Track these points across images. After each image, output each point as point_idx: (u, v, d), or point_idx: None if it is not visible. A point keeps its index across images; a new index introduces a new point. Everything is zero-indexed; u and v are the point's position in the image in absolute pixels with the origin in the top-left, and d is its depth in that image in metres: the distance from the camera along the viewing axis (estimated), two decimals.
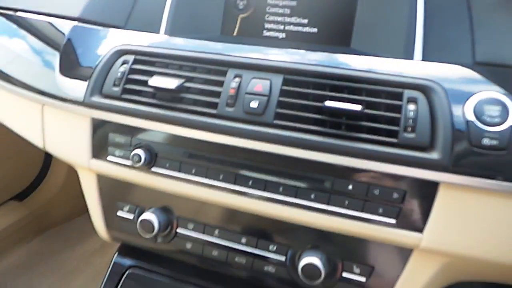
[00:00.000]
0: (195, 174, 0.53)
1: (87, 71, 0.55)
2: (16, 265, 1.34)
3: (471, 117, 0.42)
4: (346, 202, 0.47)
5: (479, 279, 0.54)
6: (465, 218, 0.43)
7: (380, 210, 0.46)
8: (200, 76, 0.51)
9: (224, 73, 0.50)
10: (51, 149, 0.62)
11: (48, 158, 1.49)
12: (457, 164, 0.42)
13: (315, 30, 0.53)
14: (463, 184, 0.42)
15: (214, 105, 0.50)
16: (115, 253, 0.66)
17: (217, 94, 0.50)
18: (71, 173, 1.49)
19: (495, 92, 0.42)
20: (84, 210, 1.77)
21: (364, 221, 0.46)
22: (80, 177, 0.62)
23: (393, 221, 0.46)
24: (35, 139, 0.63)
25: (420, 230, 0.45)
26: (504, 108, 0.41)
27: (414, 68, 0.46)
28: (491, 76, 0.43)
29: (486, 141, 0.41)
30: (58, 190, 1.48)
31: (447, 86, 0.43)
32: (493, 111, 0.41)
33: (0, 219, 1.35)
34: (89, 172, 0.60)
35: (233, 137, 0.49)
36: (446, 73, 0.44)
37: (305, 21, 0.53)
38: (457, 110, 0.42)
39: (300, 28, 0.54)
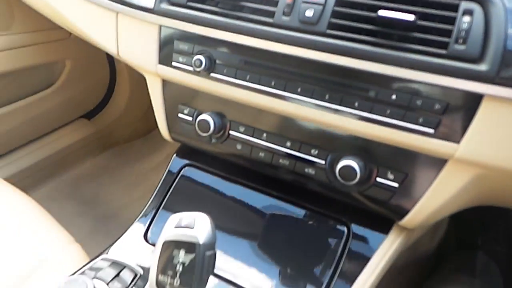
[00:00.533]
0: (249, 81, 0.58)
1: None
2: (83, 175, 1.53)
3: None
4: (388, 111, 0.50)
5: (503, 202, 0.56)
6: (504, 130, 0.45)
7: (420, 120, 0.48)
8: None
9: None
10: (124, 55, 0.70)
11: (112, 84, 1.62)
12: (504, 76, 0.43)
13: None
14: (507, 97, 0.43)
15: (271, 14, 0.53)
16: (173, 154, 0.75)
17: (275, 3, 0.53)
18: (132, 101, 1.62)
19: None
20: (143, 133, 1.93)
21: (404, 130, 0.50)
22: (148, 83, 0.70)
23: (431, 131, 0.48)
24: (110, 46, 0.70)
25: (457, 141, 0.47)
26: None
27: None
28: None
29: None
30: (120, 114, 1.62)
31: (508, 4, 0.43)
32: None
33: (71, 134, 1.52)
34: (156, 77, 0.67)
35: (287, 45, 0.53)
36: None
37: None
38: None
39: None
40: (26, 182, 1.33)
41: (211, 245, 0.42)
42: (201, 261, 0.41)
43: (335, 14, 0.50)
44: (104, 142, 1.62)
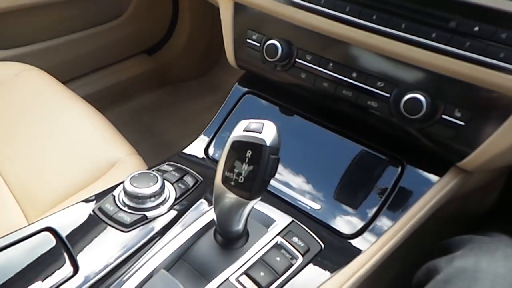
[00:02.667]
0: (323, 5, 0.57)
1: None
2: (142, 107, 1.62)
3: None
4: (467, 44, 0.48)
5: None
6: None
7: (502, 55, 0.46)
8: None
9: None
10: None
11: (173, 22, 1.65)
12: None
13: None
14: None
15: None
16: (235, 83, 0.78)
17: None
18: (190, 41, 1.65)
19: None
20: (198, 75, 1.98)
21: (482, 65, 0.48)
22: (220, 7, 0.71)
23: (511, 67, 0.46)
24: None
25: None
26: None
27: None
28: None
29: None
30: (179, 53, 1.67)
31: None
32: None
33: (133, 68, 1.59)
34: (229, 0, 0.69)
35: None
36: None
37: None
38: None
39: None
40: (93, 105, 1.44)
41: (276, 149, 0.45)
42: (265, 163, 0.44)
43: None
44: (161, 78, 1.69)
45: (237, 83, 0.78)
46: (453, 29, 0.49)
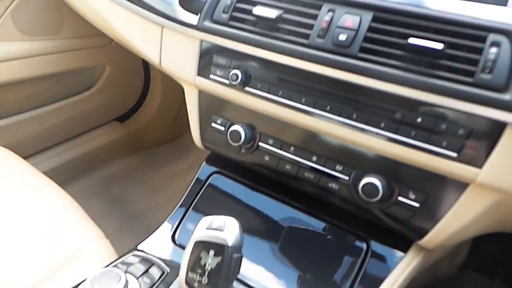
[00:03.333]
0: (281, 96, 0.61)
1: (200, 4, 0.65)
2: (113, 175, 1.60)
3: None
4: (413, 133, 0.52)
5: None
6: None
7: (444, 143, 0.50)
8: (297, 9, 0.58)
9: (319, 7, 0.57)
10: (165, 66, 0.75)
11: (145, 90, 1.70)
12: None
13: None
14: None
15: (306, 36, 0.57)
16: (203, 162, 0.79)
17: (310, 26, 0.57)
18: (162, 107, 1.68)
19: None
20: (170, 139, 1.99)
21: (427, 152, 0.52)
22: (186, 92, 0.75)
23: (454, 154, 0.50)
24: (154, 57, 0.76)
25: (479, 166, 0.49)
26: None
27: (505, 13, 0.48)
28: None
29: None
30: (151, 119, 1.69)
31: None
32: None
33: (104, 136, 1.59)
34: (193, 88, 0.72)
35: (320, 65, 0.56)
36: None
37: None
38: None
39: None
40: (60, 178, 1.40)
41: (238, 248, 0.45)
42: (228, 263, 0.44)
43: (367, 39, 0.53)
44: (134, 145, 1.69)
45: (204, 162, 0.79)
46: (399, 120, 0.53)
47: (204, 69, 0.68)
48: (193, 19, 0.67)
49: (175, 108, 1.73)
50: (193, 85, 0.71)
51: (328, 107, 0.58)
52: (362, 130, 0.56)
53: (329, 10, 0.56)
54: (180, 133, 1.82)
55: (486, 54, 0.47)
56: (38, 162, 1.36)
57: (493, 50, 0.47)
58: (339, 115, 0.57)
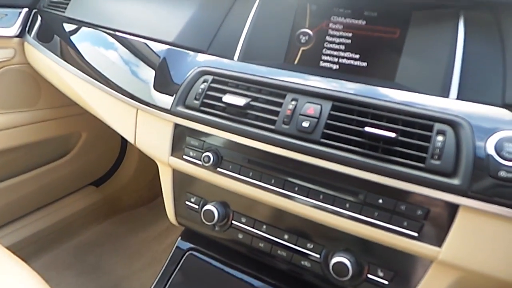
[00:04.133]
0: (252, 177, 0.64)
1: (175, 87, 0.69)
2: (86, 243, 1.55)
3: (491, 151, 0.48)
4: (376, 213, 0.55)
5: None
6: (480, 238, 0.50)
7: (405, 223, 0.53)
8: (263, 97, 0.63)
9: (283, 96, 0.61)
10: (140, 145, 0.77)
11: (122, 153, 1.70)
12: (475, 190, 0.49)
13: (364, 64, 0.62)
14: (479, 208, 0.49)
15: (272, 122, 0.61)
16: (178, 238, 0.79)
17: (276, 113, 0.61)
18: (139, 169, 1.68)
19: None
20: (148, 201, 1.96)
21: (390, 231, 0.54)
22: (160, 170, 0.76)
23: (415, 234, 0.53)
24: (128, 135, 0.78)
25: (439, 244, 0.52)
26: None
27: (448, 105, 0.53)
28: None
29: (502, 174, 0.47)
30: (127, 181, 1.68)
31: (474, 122, 0.50)
32: None
33: (79, 201, 1.56)
34: (167, 167, 0.74)
35: (286, 149, 0.60)
36: (475, 111, 0.51)
37: (357, 56, 0.63)
38: (480, 144, 0.49)
39: (351, 62, 0.63)
40: (28, 250, 1.34)
41: None
42: None
43: (328, 126, 0.58)
44: (109, 209, 1.66)
45: (179, 238, 0.79)
46: (362, 201, 0.56)
47: (177, 150, 0.71)
48: (167, 102, 0.71)
49: (151, 170, 1.73)
50: (167, 165, 0.73)
51: (296, 188, 0.60)
52: (329, 210, 0.58)
53: (292, 99, 0.60)
54: (158, 194, 1.80)
55: (434, 142, 0.52)
56: (5, 235, 1.31)
57: (440, 138, 0.52)
58: (307, 196, 0.60)
